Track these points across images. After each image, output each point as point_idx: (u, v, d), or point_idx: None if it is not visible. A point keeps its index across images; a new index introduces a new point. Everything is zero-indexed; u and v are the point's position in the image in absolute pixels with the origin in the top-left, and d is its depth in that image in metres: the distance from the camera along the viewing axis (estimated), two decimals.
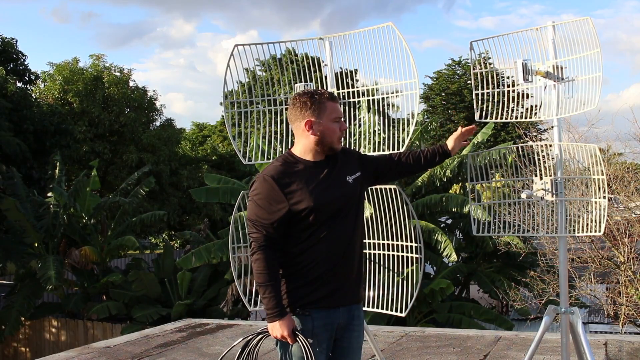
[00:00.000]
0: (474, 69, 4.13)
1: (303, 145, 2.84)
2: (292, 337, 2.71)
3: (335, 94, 4.12)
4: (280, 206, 2.71)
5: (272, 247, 2.73)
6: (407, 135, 3.89)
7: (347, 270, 2.85)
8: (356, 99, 4.14)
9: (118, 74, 22.07)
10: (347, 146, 4.25)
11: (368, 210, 4.29)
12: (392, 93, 4.09)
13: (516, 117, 4.22)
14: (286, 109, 4.33)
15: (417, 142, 15.79)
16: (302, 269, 2.77)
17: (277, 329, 2.70)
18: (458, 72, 34.04)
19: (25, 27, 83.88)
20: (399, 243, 4.12)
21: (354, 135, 4.33)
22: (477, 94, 4.11)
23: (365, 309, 4.15)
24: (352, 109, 4.23)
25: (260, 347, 2.96)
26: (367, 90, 4.18)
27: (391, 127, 4.02)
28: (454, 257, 12.76)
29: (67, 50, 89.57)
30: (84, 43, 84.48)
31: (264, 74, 24.08)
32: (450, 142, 3.23)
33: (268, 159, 4.32)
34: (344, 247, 2.81)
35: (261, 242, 2.72)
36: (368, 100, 4.12)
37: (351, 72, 4.26)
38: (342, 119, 2.88)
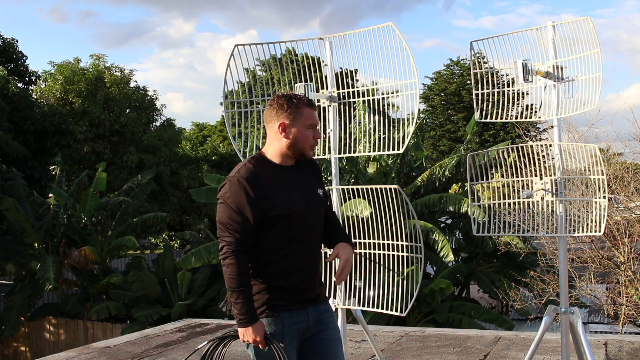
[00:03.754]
0: (473, 69, 4.13)
1: (274, 148, 2.82)
2: (263, 342, 2.68)
3: (335, 94, 4.12)
4: (254, 210, 2.67)
5: (244, 251, 2.68)
6: (407, 135, 3.89)
7: (315, 276, 2.88)
8: (356, 99, 4.13)
9: (118, 74, 22.07)
10: (346, 146, 4.25)
11: (367, 210, 4.28)
12: (392, 93, 4.09)
13: (516, 117, 4.23)
14: None
15: (412, 140, 15.79)
16: (272, 274, 2.75)
17: (249, 334, 2.67)
18: (456, 72, 34.06)
19: (23, 27, 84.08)
20: (399, 243, 4.11)
21: (353, 135, 4.33)
22: (477, 94, 4.11)
23: (365, 309, 4.15)
24: (352, 109, 4.23)
25: (227, 350, 2.92)
26: (367, 90, 4.18)
27: (391, 127, 4.02)
28: (450, 257, 12.78)
29: (66, 50, 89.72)
30: (82, 43, 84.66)
31: (264, 74, 24.09)
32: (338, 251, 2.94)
33: None
34: (312, 255, 2.85)
35: (234, 246, 2.67)
36: (367, 100, 4.12)
37: (351, 72, 4.26)
38: (318, 127, 2.87)
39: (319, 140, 2.91)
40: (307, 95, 3.90)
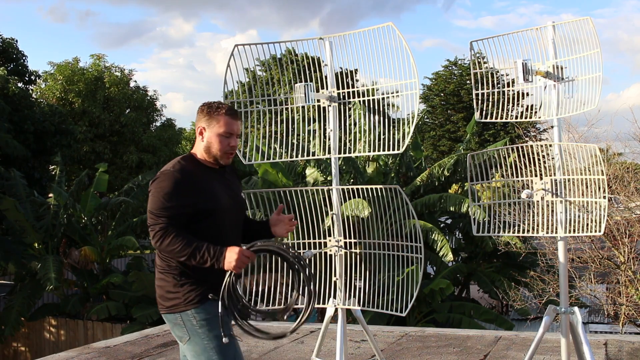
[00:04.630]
0: (473, 69, 4.13)
1: (199, 150, 3.03)
2: (247, 252, 2.78)
3: (335, 94, 4.12)
4: (184, 201, 2.82)
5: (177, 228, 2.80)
6: (407, 135, 3.89)
7: (235, 303, 2.95)
8: (356, 99, 4.13)
9: (118, 74, 22.07)
10: (346, 146, 4.25)
11: (367, 210, 4.28)
12: (392, 93, 4.09)
13: (516, 117, 4.23)
14: (286, 109, 4.34)
15: (411, 140, 15.80)
16: (202, 268, 2.84)
17: (232, 258, 2.76)
18: (455, 72, 34.08)
19: (23, 27, 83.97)
20: (399, 243, 4.11)
21: (350, 134, 4.33)
22: (477, 94, 4.11)
23: (365, 308, 4.15)
24: (349, 109, 4.23)
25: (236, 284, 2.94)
26: (367, 90, 4.18)
27: (391, 127, 4.02)
28: (450, 257, 12.78)
29: (66, 50, 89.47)
30: (82, 43, 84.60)
31: (264, 74, 24.07)
32: (272, 221, 3.21)
33: (268, 159, 4.33)
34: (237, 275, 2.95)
35: (168, 226, 2.78)
36: (367, 100, 4.12)
37: (351, 72, 4.25)
38: (236, 137, 3.02)
39: (235, 148, 3.05)
40: (307, 95, 3.91)
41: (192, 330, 2.87)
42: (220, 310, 2.82)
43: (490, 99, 4.07)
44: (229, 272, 2.81)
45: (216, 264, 2.76)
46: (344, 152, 4.21)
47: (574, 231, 3.78)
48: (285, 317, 3.06)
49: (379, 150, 4.09)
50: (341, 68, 4.14)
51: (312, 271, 4.24)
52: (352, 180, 14.25)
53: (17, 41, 19.33)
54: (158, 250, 2.86)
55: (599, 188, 3.67)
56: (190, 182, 2.86)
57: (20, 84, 18.54)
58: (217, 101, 3.06)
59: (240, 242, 3.08)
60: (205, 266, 2.78)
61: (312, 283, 2.92)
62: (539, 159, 3.86)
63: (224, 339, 2.82)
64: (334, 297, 4.12)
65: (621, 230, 10.21)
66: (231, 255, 2.76)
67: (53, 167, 17.79)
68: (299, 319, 2.94)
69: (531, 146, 4.05)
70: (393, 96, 4.11)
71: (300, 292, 2.91)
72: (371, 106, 4.12)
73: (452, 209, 13.66)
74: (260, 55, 4.31)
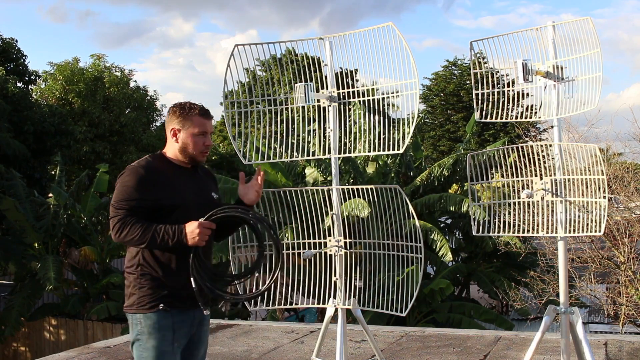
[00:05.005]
0: (473, 69, 4.12)
1: (170, 150, 3.06)
2: (206, 222, 2.80)
3: (335, 94, 4.12)
4: (145, 196, 2.85)
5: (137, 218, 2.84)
6: (407, 135, 3.89)
7: (204, 277, 2.97)
8: (356, 99, 4.13)
9: (118, 74, 22.07)
10: (346, 146, 4.25)
11: (367, 210, 4.29)
12: (392, 93, 4.09)
13: (516, 117, 4.23)
14: (286, 109, 4.34)
15: (411, 140, 15.79)
16: (165, 271, 2.88)
17: (193, 232, 2.78)
18: (455, 72, 34.09)
19: (23, 27, 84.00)
20: (399, 243, 4.12)
21: (350, 134, 4.33)
22: (477, 94, 4.11)
23: (365, 308, 4.15)
24: (349, 109, 4.23)
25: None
26: (367, 90, 4.18)
27: (391, 128, 4.02)
28: (449, 257, 12.79)
29: (65, 49, 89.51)
30: (82, 42, 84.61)
31: (264, 74, 24.08)
32: (241, 193, 3.16)
33: (268, 159, 4.33)
34: (205, 256, 2.95)
35: (126, 217, 2.82)
36: (367, 100, 4.12)
37: (351, 72, 4.26)
38: (209, 135, 3.05)
39: (209, 147, 3.07)
40: (307, 95, 3.91)
41: (136, 335, 2.90)
42: (163, 322, 2.84)
43: (490, 99, 4.07)
44: (192, 252, 2.83)
45: (178, 243, 2.79)
46: (344, 152, 4.21)
47: (574, 231, 3.78)
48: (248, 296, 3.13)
49: (378, 150, 4.09)
50: (341, 68, 4.14)
51: (311, 268, 4.25)
52: (351, 181, 14.26)
53: (17, 41, 19.34)
54: (119, 242, 2.89)
55: (599, 188, 3.67)
56: (154, 178, 2.90)
57: (20, 84, 18.54)
58: (188, 102, 3.08)
59: (212, 247, 3.08)
60: (170, 246, 2.80)
61: (276, 236, 2.94)
62: (539, 159, 3.86)
63: (160, 352, 2.84)
64: (334, 297, 4.12)
65: (621, 230, 10.22)
66: (192, 230, 2.78)
67: (53, 167, 17.79)
68: (271, 276, 2.97)
69: (531, 146, 4.05)
70: (393, 96, 4.11)
71: (264, 252, 2.94)
72: (371, 106, 4.12)
73: (452, 209, 13.67)
74: (260, 55, 4.32)
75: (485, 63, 4.24)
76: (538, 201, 3.82)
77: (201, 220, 2.81)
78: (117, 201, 2.87)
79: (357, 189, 4.18)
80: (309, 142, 4.33)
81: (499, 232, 4.02)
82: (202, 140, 3.02)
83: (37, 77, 20.34)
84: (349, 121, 4.43)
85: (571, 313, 3.72)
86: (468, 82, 30.55)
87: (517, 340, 5.98)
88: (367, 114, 4.31)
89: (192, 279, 2.81)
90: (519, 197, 3.95)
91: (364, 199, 4.25)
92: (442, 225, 15.81)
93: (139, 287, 2.89)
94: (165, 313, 2.85)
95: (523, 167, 3.91)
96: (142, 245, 2.81)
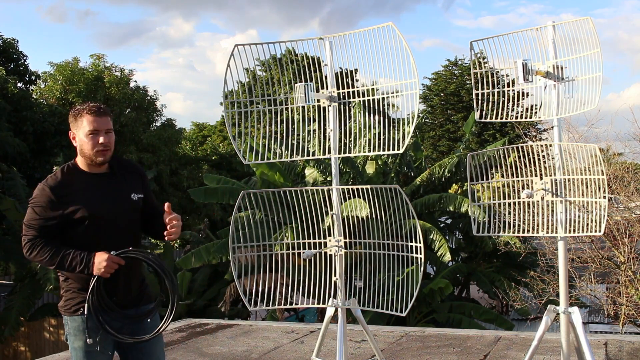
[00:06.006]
0: (473, 69, 4.12)
1: (79, 157, 3.06)
2: (115, 258, 2.85)
3: (335, 94, 4.12)
4: (55, 214, 2.88)
5: (47, 238, 2.92)
6: (407, 135, 3.88)
7: (129, 278, 3.02)
8: (356, 99, 4.13)
9: (118, 74, 22.07)
10: (346, 146, 4.24)
11: (366, 210, 4.29)
12: (392, 93, 4.09)
13: (516, 117, 4.23)
14: (286, 109, 4.34)
15: (411, 140, 15.79)
16: (83, 279, 2.92)
17: (100, 264, 2.82)
18: (455, 72, 34.10)
19: (22, 27, 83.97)
20: (399, 243, 4.11)
21: (350, 134, 4.33)
22: (477, 94, 4.11)
23: (365, 308, 4.15)
24: (349, 109, 4.23)
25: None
26: (367, 90, 4.18)
27: (391, 127, 4.01)
28: (448, 257, 12.80)
29: (65, 49, 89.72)
30: (82, 42, 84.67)
31: (264, 74, 24.08)
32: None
33: (268, 159, 4.32)
34: (131, 275, 3.01)
35: (35, 238, 2.88)
36: (367, 100, 4.11)
37: (351, 72, 4.25)
38: (103, 132, 2.99)
39: (109, 144, 3.03)
40: (307, 95, 3.91)
41: (66, 335, 3.02)
42: (89, 324, 2.90)
43: (491, 99, 4.07)
44: (95, 277, 2.87)
45: (86, 270, 2.84)
46: (344, 152, 4.21)
47: (574, 231, 3.78)
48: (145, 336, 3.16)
49: (378, 150, 4.09)
50: (341, 68, 4.14)
51: (311, 268, 4.24)
52: (351, 180, 14.26)
53: (17, 41, 19.35)
54: (30, 260, 2.97)
55: (599, 188, 3.66)
56: (62, 193, 2.91)
57: (20, 84, 18.55)
58: (82, 103, 3.09)
59: (134, 243, 3.08)
60: (77, 272, 2.85)
61: (174, 287, 3.06)
62: (539, 159, 3.86)
63: (86, 352, 2.92)
64: (334, 297, 4.11)
65: (621, 230, 10.22)
66: (100, 262, 2.83)
67: (52, 167, 17.77)
68: (164, 320, 3.09)
69: (531, 146, 4.05)
70: (393, 96, 4.10)
71: (165, 297, 3.05)
72: (371, 106, 4.11)
73: (451, 209, 13.67)
74: (260, 55, 4.31)
75: (485, 63, 4.23)
76: (538, 201, 3.82)
77: (112, 254, 2.86)
78: (28, 220, 2.93)
79: (357, 189, 4.18)
80: (309, 142, 4.33)
81: (499, 232, 4.01)
82: (95, 139, 2.97)
83: (37, 77, 20.33)
84: (349, 121, 4.42)
85: (571, 313, 3.72)
86: (468, 82, 30.55)
87: (517, 340, 5.98)
88: (367, 114, 4.31)
89: (85, 305, 2.87)
90: (519, 197, 3.94)
91: (364, 199, 4.25)
92: (441, 225, 15.81)
93: (65, 290, 3.00)
94: (90, 315, 2.90)
95: (523, 167, 3.90)
96: (51, 267, 2.91)
